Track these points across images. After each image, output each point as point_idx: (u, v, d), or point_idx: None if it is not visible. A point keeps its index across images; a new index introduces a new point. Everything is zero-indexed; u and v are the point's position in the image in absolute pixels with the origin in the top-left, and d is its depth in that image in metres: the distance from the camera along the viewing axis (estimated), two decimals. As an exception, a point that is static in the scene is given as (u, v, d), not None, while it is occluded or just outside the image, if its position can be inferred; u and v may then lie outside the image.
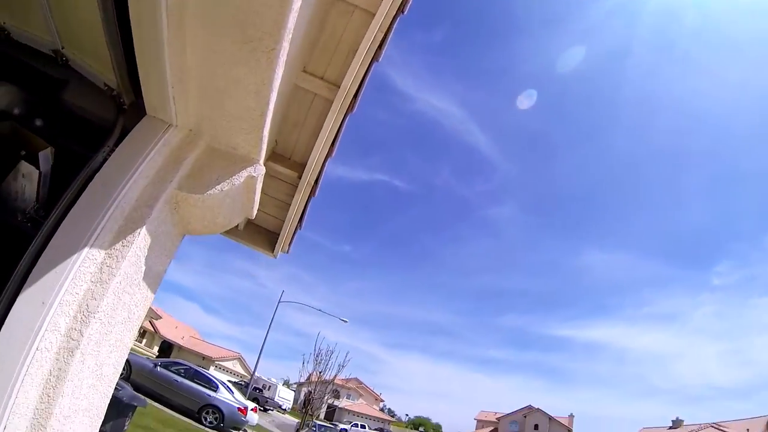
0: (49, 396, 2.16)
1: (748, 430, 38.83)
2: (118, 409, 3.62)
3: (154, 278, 2.96)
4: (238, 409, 14.31)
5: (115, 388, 3.49)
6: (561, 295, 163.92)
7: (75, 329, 2.20)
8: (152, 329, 40.94)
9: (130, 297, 2.57)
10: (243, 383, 28.99)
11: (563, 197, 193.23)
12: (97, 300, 2.24)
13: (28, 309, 2.12)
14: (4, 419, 2.03)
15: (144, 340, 42.57)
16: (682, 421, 55.61)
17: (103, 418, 3.05)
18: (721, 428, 40.36)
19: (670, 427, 55.89)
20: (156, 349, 43.96)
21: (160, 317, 19.89)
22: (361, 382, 73.30)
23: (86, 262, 2.24)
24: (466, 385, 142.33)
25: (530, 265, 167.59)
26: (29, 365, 2.07)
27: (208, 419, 13.71)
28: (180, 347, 44.37)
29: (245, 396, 18.84)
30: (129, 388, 3.77)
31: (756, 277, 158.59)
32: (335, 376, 10.58)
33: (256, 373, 35.56)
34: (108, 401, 3.05)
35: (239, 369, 52.17)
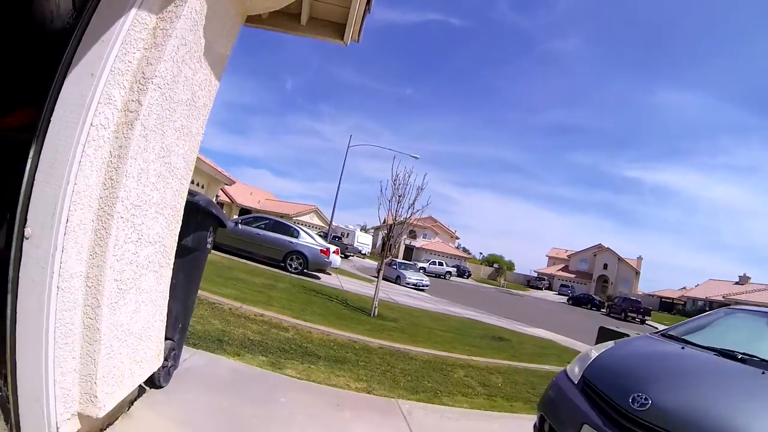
0: (113, 180, 1.98)
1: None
2: (197, 219, 3.22)
3: (216, 59, 2.68)
4: (321, 251, 14.63)
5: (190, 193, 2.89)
6: (631, 134, 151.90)
7: (132, 100, 2.01)
8: (228, 200, 42.64)
9: (193, 73, 2.39)
10: (322, 234, 29.99)
11: (635, 25, 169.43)
12: (153, 65, 2.04)
13: (77, 84, 1.89)
14: (65, 211, 1.83)
15: (223, 211, 43.81)
16: (749, 278, 55.70)
17: (180, 220, 2.72)
18: (789, 291, 38.16)
19: (736, 282, 55.76)
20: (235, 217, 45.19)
21: (234, 181, 19.95)
22: (436, 221, 75.35)
23: (136, 26, 2.00)
24: (537, 224, 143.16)
25: (600, 102, 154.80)
26: (85, 145, 1.87)
27: (293, 265, 14.17)
28: (258, 211, 45.95)
29: (339, 252, 19.25)
30: (205, 196, 3.09)
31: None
32: (412, 210, 10.02)
33: (333, 223, 36.91)
34: (183, 201, 2.71)
35: (317, 221, 54.49)
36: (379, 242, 67.54)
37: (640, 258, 72.67)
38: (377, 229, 69.30)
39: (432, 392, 4.76)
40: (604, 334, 8.67)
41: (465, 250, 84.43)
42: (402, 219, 10.28)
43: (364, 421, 3.48)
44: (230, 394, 3.33)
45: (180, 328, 3.39)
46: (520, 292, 54.90)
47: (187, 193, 2.81)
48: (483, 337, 10.47)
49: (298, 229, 15.07)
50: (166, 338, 3.08)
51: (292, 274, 13.61)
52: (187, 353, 3.92)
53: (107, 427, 2.43)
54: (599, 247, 74.21)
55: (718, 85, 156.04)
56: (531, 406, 4.61)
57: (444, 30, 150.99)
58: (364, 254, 47.78)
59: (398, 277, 27.33)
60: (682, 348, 3.39)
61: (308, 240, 14.74)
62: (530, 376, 6.63)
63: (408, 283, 26.52)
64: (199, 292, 6.50)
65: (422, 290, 26.38)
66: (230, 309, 6.21)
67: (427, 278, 28.86)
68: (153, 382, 3.00)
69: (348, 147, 30.11)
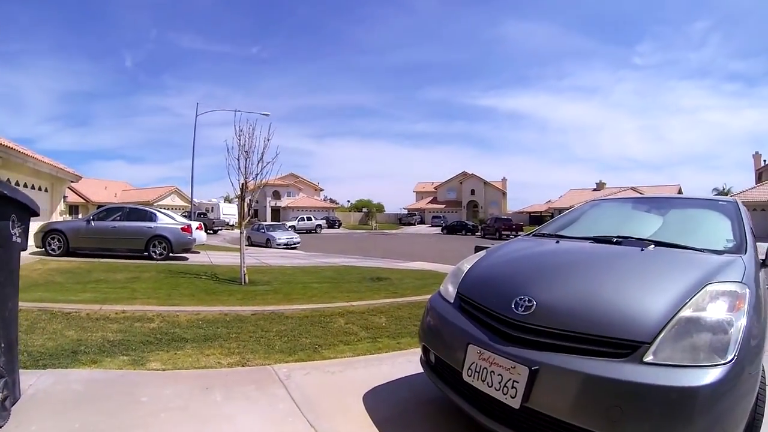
0: None
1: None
2: None
3: None
4: (182, 229, 13.88)
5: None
6: (481, 65, 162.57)
7: None
8: (82, 199, 38.75)
9: None
10: (185, 213, 28.43)
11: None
12: None
13: None
14: None
15: (80, 215, 40.59)
16: (605, 183, 62.62)
17: None
18: (639, 191, 45.28)
19: (594, 189, 62.24)
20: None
21: (79, 177, 17.89)
22: (297, 176, 74.86)
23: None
24: (401, 162, 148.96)
25: (446, 38, 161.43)
26: None
27: (158, 251, 13.31)
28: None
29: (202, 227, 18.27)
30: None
31: (677, 62, 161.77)
32: (262, 165, 9.65)
33: (195, 200, 35.06)
34: None
35: (179, 202, 51.75)
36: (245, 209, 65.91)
37: (504, 179, 78.59)
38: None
39: (311, 348, 4.70)
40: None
41: (332, 200, 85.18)
42: (253, 176, 9.90)
43: (237, 398, 3.34)
44: (83, 411, 3.02)
45: (2, 348, 2.82)
46: (394, 231, 56.95)
47: None
48: (361, 281, 10.59)
49: (154, 212, 13.98)
50: None
51: (159, 261, 12.82)
52: (33, 377, 3.51)
53: None
54: (464, 174, 78.26)
55: (558, 13, 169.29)
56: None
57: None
58: (233, 225, 46.19)
59: (268, 240, 27.07)
60: (557, 242, 3.32)
61: (167, 221, 13.80)
62: (414, 308, 6.80)
63: (279, 244, 26.33)
64: (53, 304, 5.98)
65: (294, 248, 26.39)
66: (88, 314, 5.67)
67: (297, 236, 28.86)
68: None
69: (196, 116, 28.45)
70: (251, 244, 27.38)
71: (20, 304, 5.64)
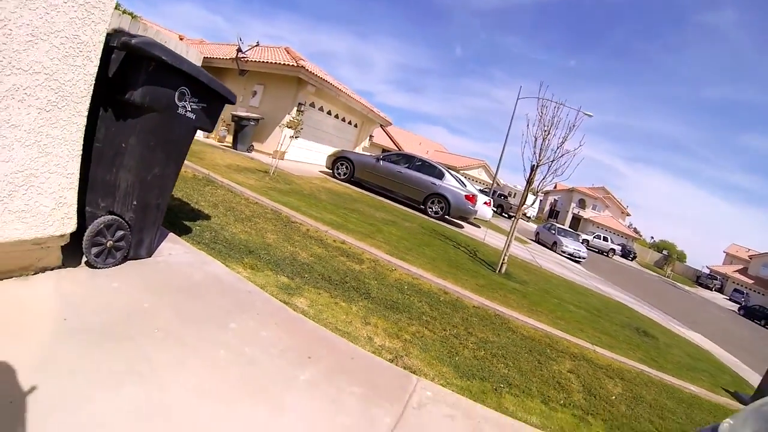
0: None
1: None
2: (146, 69, 2.43)
3: None
4: (466, 196, 13.14)
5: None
6: None
7: None
8: (396, 148, 43.09)
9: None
10: (486, 189, 28.51)
11: None
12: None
13: None
14: None
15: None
16: None
17: (94, 58, 2.18)
18: None
19: None
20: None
21: (389, 122, 19.13)
22: (608, 192, 68.29)
23: None
24: (711, 213, 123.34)
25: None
26: None
27: (434, 209, 12.99)
28: (426, 162, 45.08)
29: (491, 204, 17.78)
30: (150, 38, 2.09)
31: None
32: (561, 151, 7.96)
33: (502, 181, 34.95)
34: (95, 34, 2.16)
35: (485, 177, 52.71)
36: (547, 207, 63.72)
37: None
38: (547, 193, 65.24)
39: (496, 383, 3.21)
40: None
41: (635, 230, 75.47)
42: (548, 161, 8.35)
43: (325, 393, 2.22)
44: (168, 299, 2.48)
45: (135, 206, 2.65)
46: (686, 288, 46.85)
47: (105, 26, 2.15)
48: (623, 326, 7.98)
49: (443, 170, 13.65)
50: (111, 212, 2.50)
51: (431, 218, 12.51)
52: (180, 248, 3.13)
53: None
54: None
55: None
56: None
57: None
58: (529, 217, 44.97)
59: (555, 243, 24.75)
60: None
61: (453, 183, 13.30)
62: (665, 395, 4.53)
63: (564, 251, 23.86)
64: (290, 211, 5.92)
65: (578, 262, 23.47)
66: (308, 230, 5.37)
67: (586, 251, 25.85)
68: (89, 262, 2.48)
69: (517, 99, 27.67)
70: (537, 241, 25.87)
71: (261, 199, 5.91)
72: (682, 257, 69.25)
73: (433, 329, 3.73)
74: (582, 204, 64.41)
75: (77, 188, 2.22)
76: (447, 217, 13.20)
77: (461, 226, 13.81)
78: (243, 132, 12.24)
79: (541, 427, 2.82)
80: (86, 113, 2.16)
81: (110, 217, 2.48)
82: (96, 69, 2.13)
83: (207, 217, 4.24)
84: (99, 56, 2.13)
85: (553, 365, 4.07)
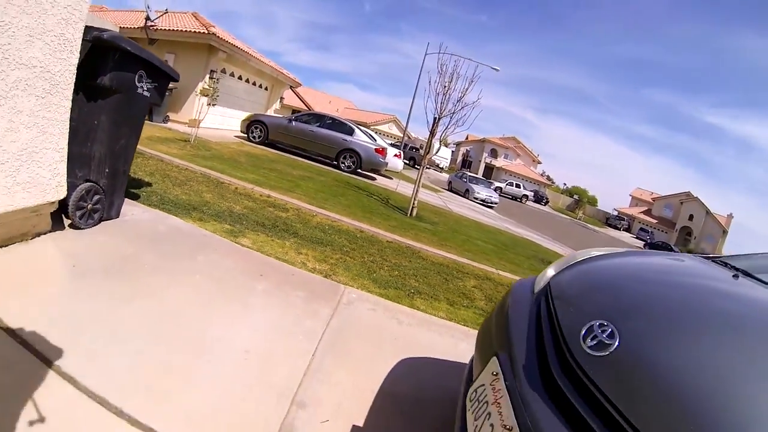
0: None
1: None
2: (113, 58, 3.01)
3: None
4: (376, 150, 14.10)
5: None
6: (710, 75, 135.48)
7: None
8: (306, 107, 42.75)
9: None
10: (397, 143, 29.44)
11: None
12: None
13: None
14: None
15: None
16: None
17: (76, 52, 2.64)
18: None
19: None
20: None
21: (299, 83, 19.20)
22: (519, 142, 71.86)
23: None
24: (618, 160, 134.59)
25: (674, 38, 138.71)
26: None
27: (346, 163, 13.89)
28: (337, 120, 45.10)
29: (402, 156, 18.87)
30: (115, 32, 2.74)
31: None
32: (462, 104, 8.91)
33: (413, 135, 35.98)
34: (76, 32, 2.65)
35: (395, 131, 53.67)
36: (459, 158, 66.19)
37: (730, 216, 64.70)
38: (459, 144, 67.61)
39: (410, 292, 4.12)
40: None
41: (548, 177, 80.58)
42: (449, 113, 9.30)
43: (278, 297, 3.07)
44: (146, 245, 3.14)
45: (107, 173, 3.21)
46: (596, 228, 51.58)
47: (83, 24, 2.64)
48: (528, 257, 9.28)
49: (353, 126, 14.48)
50: (88, 180, 3.04)
51: (344, 172, 13.37)
52: (139, 210, 3.74)
53: None
54: (687, 195, 67.06)
55: None
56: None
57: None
58: (442, 168, 46.85)
59: (467, 190, 26.27)
60: (735, 277, 1.78)
61: (363, 138, 14.20)
62: None
63: (476, 198, 25.40)
64: (217, 174, 6.48)
65: (490, 207, 25.09)
66: (236, 188, 6.00)
67: (497, 196, 27.62)
68: (73, 224, 3.02)
69: (425, 54, 28.75)
70: (450, 190, 27.34)
71: (189, 165, 6.41)
72: (593, 201, 74.25)
73: (353, 257, 4.61)
74: (494, 154, 67.32)
75: (66, 161, 2.78)
76: (359, 170, 14.13)
77: (374, 179, 14.80)
78: (157, 103, 12.19)
79: (448, 319, 3.78)
80: (71, 97, 2.68)
81: (88, 184, 3.03)
82: (77, 60, 2.64)
83: (149, 185, 4.75)
84: (79, 49, 2.64)
85: (459, 282, 5.06)
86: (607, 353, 1.19)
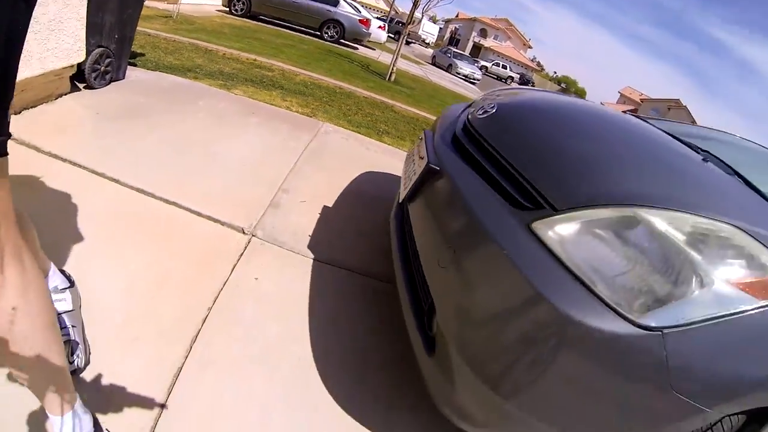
0: None
1: None
2: None
3: None
4: (360, 20, 14.18)
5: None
6: None
7: None
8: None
9: None
10: (383, 18, 28.57)
11: None
12: None
13: None
14: None
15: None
16: None
17: None
18: None
19: None
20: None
21: None
22: (511, 24, 68.88)
23: None
24: (614, 58, 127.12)
25: None
26: None
27: (329, 33, 14.00)
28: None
29: (386, 29, 18.77)
30: None
31: None
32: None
33: (401, 9, 34.70)
34: None
35: (382, 5, 51.39)
36: (447, 35, 63.83)
37: None
38: (448, 21, 64.84)
39: (380, 132, 5.01)
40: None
41: (539, 63, 78.17)
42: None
43: (267, 126, 3.87)
44: (154, 95, 3.84)
45: (116, 39, 3.77)
46: None
47: None
48: None
49: (339, -2, 14.41)
50: (100, 46, 3.57)
51: (326, 42, 13.55)
52: (141, 72, 4.38)
53: (29, 108, 3.03)
54: (676, 102, 65.52)
55: None
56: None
57: None
58: (428, 43, 45.72)
59: (450, 65, 26.05)
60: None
61: (347, 9, 14.19)
62: None
63: (459, 73, 25.23)
64: (204, 43, 6.97)
65: (472, 83, 24.93)
66: (224, 54, 6.52)
67: (481, 73, 27.33)
68: (89, 85, 3.59)
69: None
70: (434, 64, 27.02)
71: (176, 37, 6.88)
72: (581, 92, 73.25)
73: (332, 105, 5.39)
74: (483, 33, 64.74)
75: (85, 28, 3.37)
76: (342, 40, 14.25)
77: (356, 48, 14.99)
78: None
79: (390, 143, 4.71)
80: (88, -28, 3.18)
81: (101, 49, 3.62)
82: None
83: (142, 55, 5.30)
84: None
85: (426, 126, 5.88)
86: (487, 115, 1.98)
